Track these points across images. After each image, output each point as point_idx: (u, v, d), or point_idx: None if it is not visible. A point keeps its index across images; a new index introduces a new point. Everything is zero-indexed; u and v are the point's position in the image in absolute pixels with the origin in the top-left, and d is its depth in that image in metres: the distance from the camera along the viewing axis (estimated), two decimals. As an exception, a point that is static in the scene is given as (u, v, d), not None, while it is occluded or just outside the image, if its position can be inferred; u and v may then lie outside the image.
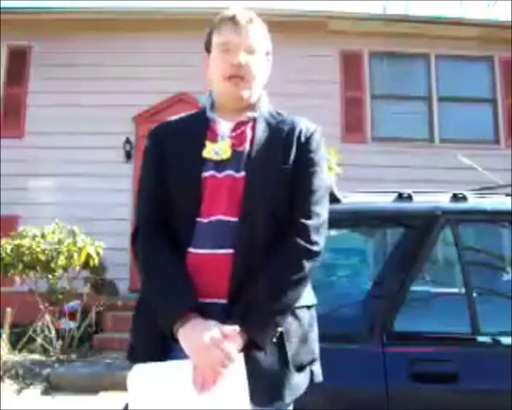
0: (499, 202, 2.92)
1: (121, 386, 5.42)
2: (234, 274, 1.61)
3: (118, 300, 7.43)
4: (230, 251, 1.63)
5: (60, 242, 6.90)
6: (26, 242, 6.78)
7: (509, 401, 2.32)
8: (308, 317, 1.77)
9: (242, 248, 1.62)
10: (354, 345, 2.53)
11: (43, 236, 6.90)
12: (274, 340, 1.63)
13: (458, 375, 2.41)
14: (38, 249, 6.75)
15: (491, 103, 8.99)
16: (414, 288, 2.67)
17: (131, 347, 1.87)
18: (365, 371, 2.48)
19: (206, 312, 1.59)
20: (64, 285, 6.96)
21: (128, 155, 8.51)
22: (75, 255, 6.82)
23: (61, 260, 6.80)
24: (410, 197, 2.86)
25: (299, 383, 1.71)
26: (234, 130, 1.77)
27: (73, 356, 6.48)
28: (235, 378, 1.54)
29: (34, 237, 6.87)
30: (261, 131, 1.77)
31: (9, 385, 5.63)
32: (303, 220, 1.68)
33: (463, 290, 2.62)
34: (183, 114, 1.90)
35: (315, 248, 1.69)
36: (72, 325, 6.81)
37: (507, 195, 3.06)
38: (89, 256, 6.89)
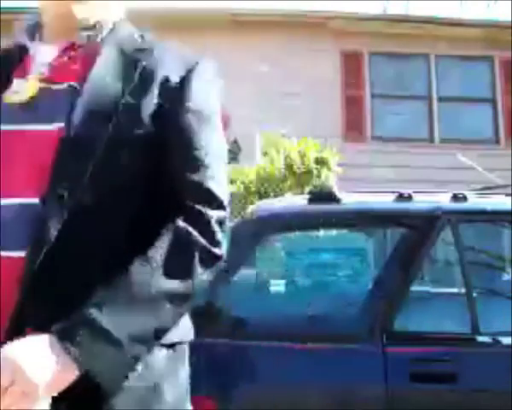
0: (499, 202, 2.91)
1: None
2: (23, 288, 0.94)
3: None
4: (22, 254, 0.96)
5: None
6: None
7: (508, 401, 2.30)
8: (162, 363, 1.04)
9: (38, 251, 0.95)
10: (354, 345, 2.52)
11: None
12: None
13: (458, 375, 2.40)
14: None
15: (491, 103, 9.00)
16: (414, 288, 2.66)
17: None
18: (365, 371, 2.47)
19: None
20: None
21: (128, 155, 8.51)
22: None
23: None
24: (410, 197, 2.85)
25: None
26: (57, 59, 1.09)
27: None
28: None
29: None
30: (103, 63, 1.08)
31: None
32: (198, 207, 1.01)
33: (463, 290, 2.61)
34: None
35: (217, 250, 1.04)
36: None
37: (507, 195, 3.07)
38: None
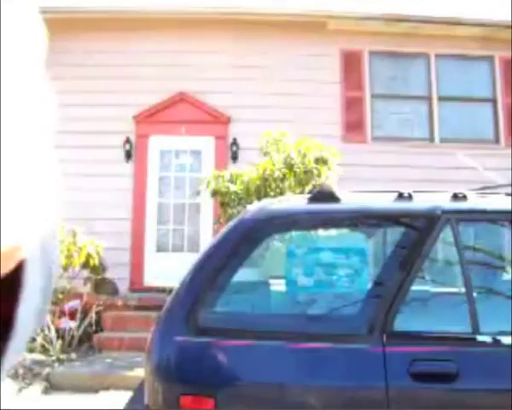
0: (499, 201, 2.91)
1: (121, 386, 5.48)
2: None
3: (118, 299, 7.44)
4: None
5: (60, 241, 6.89)
6: (26, 241, 6.77)
7: (508, 401, 2.31)
8: None
9: None
10: (354, 345, 2.52)
11: (43, 235, 6.89)
12: None
13: (458, 375, 2.40)
14: (38, 249, 6.74)
15: (491, 103, 8.99)
16: (414, 287, 2.65)
17: None
18: (365, 370, 2.48)
19: None
20: (64, 285, 6.96)
21: (128, 155, 8.50)
22: (75, 255, 6.82)
23: (61, 260, 6.80)
24: (410, 197, 2.85)
25: None
26: None
27: (73, 356, 6.49)
28: None
29: (34, 236, 6.85)
30: None
31: (9, 385, 5.62)
32: None
33: (463, 290, 2.60)
34: None
35: None
36: (72, 324, 6.82)
37: (507, 194, 3.06)
38: (89, 256, 6.90)
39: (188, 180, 8.54)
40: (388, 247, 3.14)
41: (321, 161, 6.40)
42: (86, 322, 6.93)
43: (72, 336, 6.76)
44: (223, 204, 6.51)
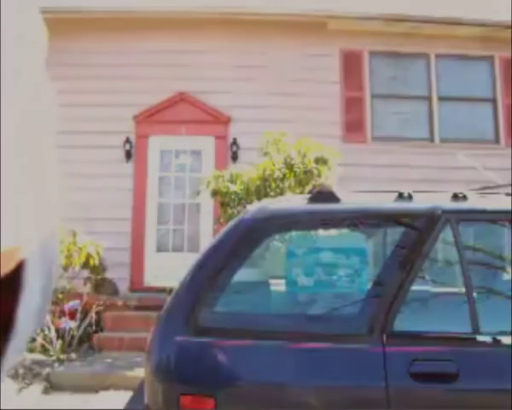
0: (499, 201, 2.92)
1: (121, 386, 5.47)
2: None
3: (118, 299, 7.44)
4: None
5: (60, 241, 6.89)
6: (25, 241, 6.77)
7: (509, 401, 2.31)
8: None
9: None
10: (354, 345, 2.53)
11: (43, 235, 6.89)
12: None
13: (458, 375, 2.41)
14: (38, 249, 6.74)
15: (491, 103, 8.98)
16: (414, 287, 2.65)
17: None
18: (365, 370, 2.48)
19: None
20: (64, 285, 6.96)
21: (128, 155, 8.50)
22: (75, 255, 6.83)
23: (61, 260, 6.80)
24: (410, 197, 2.86)
25: None
26: None
27: (73, 356, 6.49)
28: None
29: (34, 236, 6.86)
30: None
31: (9, 385, 5.62)
32: None
33: (463, 290, 2.60)
34: None
35: None
36: (72, 324, 6.82)
37: (507, 194, 3.06)
38: (89, 256, 6.90)
39: (188, 180, 8.53)
40: (388, 247, 3.12)
41: (321, 161, 6.40)
42: (86, 322, 6.92)
43: (72, 336, 6.76)
44: (223, 204, 6.51)
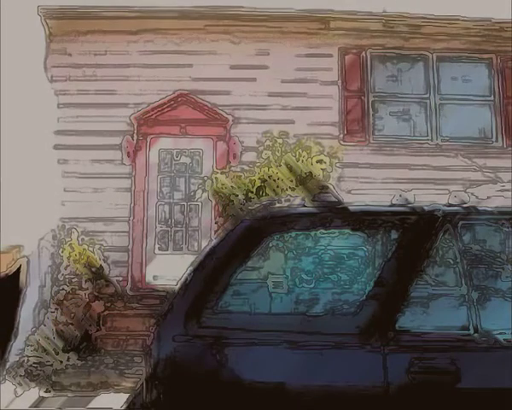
0: (500, 201, 2.93)
1: (121, 386, 5.50)
2: None
3: (118, 300, 7.42)
4: None
5: (60, 241, 6.90)
6: (26, 241, 6.79)
7: (508, 400, 2.33)
8: None
9: None
10: (354, 344, 2.53)
11: (43, 235, 6.91)
12: None
13: (458, 374, 2.42)
14: (39, 249, 6.75)
15: (491, 103, 8.98)
16: (414, 288, 2.67)
17: None
18: (365, 370, 2.48)
19: None
20: (64, 285, 6.97)
21: (128, 155, 8.49)
22: (75, 255, 6.83)
23: (62, 260, 6.81)
24: (410, 197, 2.86)
25: None
26: None
27: (73, 356, 6.48)
28: None
29: (35, 236, 6.87)
30: None
31: (9, 385, 5.63)
32: None
33: (464, 290, 2.63)
34: None
35: None
36: (72, 324, 6.81)
37: (505, 197, 3.07)
38: (89, 256, 6.90)
39: (188, 180, 8.53)
40: (388, 247, 3.08)
41: (321, 161, 6.40)
42: (86, 322, 6.92)
43: (73, 336, 6.75)
44: (223, 204, 6.51)
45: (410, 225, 2.81)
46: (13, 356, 6.17)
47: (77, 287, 7.10)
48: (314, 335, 2.58)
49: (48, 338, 6.50)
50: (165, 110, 8.47)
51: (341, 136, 8.57)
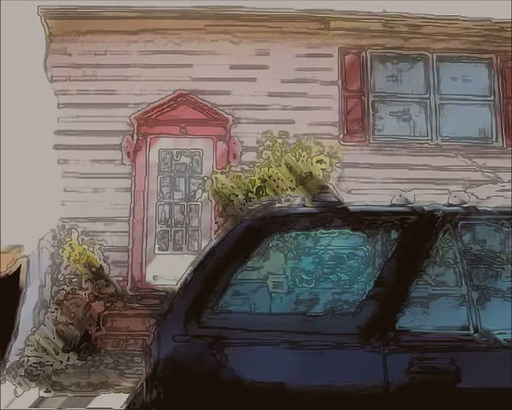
0: (499, 201, 2.94)
1: (121, 386, 5.51)
2: None
3: (118, 300, 7.42)
4: None
5: (59, 241, 6.90)
6: (26, 241, 6.78)
7: (508, 400, 2.34)
8: None
9: None
10: (354, 344, 2.54)
11: (43, 235, 6.91)
12: None
13: (458, 374, 2.43)
14: (39, 249, 6.75)
15: (491, 103, 8.97)
16: (414, 287, 2.67)
17: None
18: (365, 370, 2.49)
19: None
20: (64, 285, 6.97)
21: (128, 155, 8.49)
22: (75, 255, 6.83)
23: (61, 260, 6.81)
24: (410, 197, 2.87)
25: None
26: None
27: (73, 356, 6.48)
28: None
29: (35, 236, 6.87)
30: None
31: (9, 385, 5.63)
32: None
33: (464, 290, 2.63)
34: None
35: None
36: (72, 324, 6.81)
37: (505, 197, 3.07)
38: (88, 256, 6.91)
39: (188, 180, 8.53)
40: (388, 247, 3.07)
41: (321, 161, 6.41)
42: (86, 322, 6.92)
43: (73, 336, 6.75)
44: (223, 204, 6.52)
45: (410, 225, 2.81)
46: (13, 356, 6.17)
47: (77, 287, 7.11)
48: (314, 335, 2.58)
49: (48, 338, 6.50)
50: (165, 110, 8.46)
51: (341, 136, 8.57)
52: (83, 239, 6.98)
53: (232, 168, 7.47)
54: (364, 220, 2.95)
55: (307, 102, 8.38)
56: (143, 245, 8.31)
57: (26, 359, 6.13)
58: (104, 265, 7.49)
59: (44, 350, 6.43)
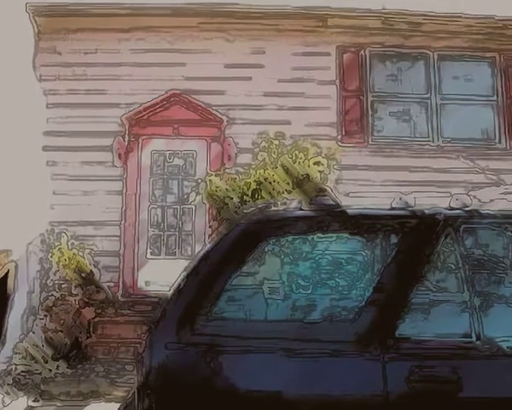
0: (502, 204, 2.97)
1: (112, 394, 5.53)
2: None
3: (109, 306, 7.43)
4: None
5: (49, 246, 6.93)
6: (16, 246, 6.79)
7: (510, 409, 2.40)
8: None
9: None
10: (353, 352, 2.53)
11: (33, 240, 6.93)
12: None
13: (459, 382, 2.41)
14: (29, 254, 6.76)
15: (492, 103, 9.01)
16: (415, 293, 2.67)
17: None
18: (364, 379, 2.47)
19: None
20: (54, 290, 6.97)
21: (119, 157, 8.48)
22: (65, 260, 6.85)
23: (51, 265, 6.84)
24: (410, 200, 2.88)
25: None
26: None
27: (63, 364, 6.50)
28: None
29: (25, 241, 6.88)
30: None
31: (-2, 394, 5.65)
32: None
33: (465, 296, 2.64)
34: None
35: None
36: (62, 331, 6.80)
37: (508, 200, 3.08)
38: (79, 261, 6.94)
39: (181, 183, 8.54)
40: (389, 252, 3.11)
41: (318, 162, 6.45)
42: (76, 329, 6.91)
43: (62, 344, 6.73)
44: (217, 208, 6.54)
45: (411, 229, 2.81)
46: (0, 364, 6.19)
47: (66, 293, 7.16)
48: (311, 342, 2.58)
49: (36, 346, 6.53)
50: (158, 110, 8.50)
51: (339, 137, 8.61)
52: (72, 243, 7.01)
53: (227, 170, 7.51)
54: (363, 224, 2.96)
55: (304, 102, 8.41)
56: (135, 250, 8.34)
57: (13, 367, 6.19)
58: (95, 270, 7.54)
59: (33, 358, 6.44)
